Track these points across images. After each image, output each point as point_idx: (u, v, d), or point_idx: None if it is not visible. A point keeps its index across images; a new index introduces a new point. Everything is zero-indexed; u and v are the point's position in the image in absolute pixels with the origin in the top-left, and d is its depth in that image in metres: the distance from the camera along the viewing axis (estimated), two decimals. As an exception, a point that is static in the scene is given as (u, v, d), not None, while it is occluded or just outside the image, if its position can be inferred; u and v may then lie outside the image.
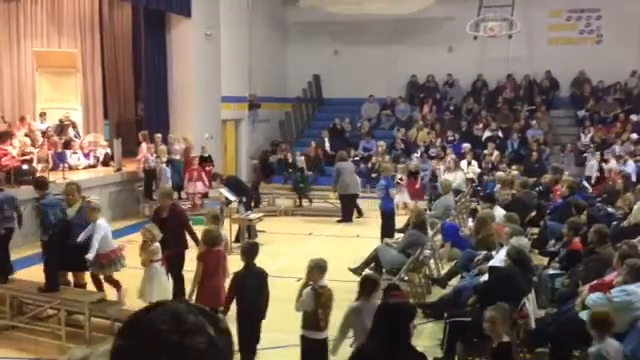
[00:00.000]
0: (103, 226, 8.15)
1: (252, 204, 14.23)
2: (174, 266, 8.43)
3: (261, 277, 6.62)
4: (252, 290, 6.48)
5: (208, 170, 16.24)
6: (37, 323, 8.06)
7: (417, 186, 16.63)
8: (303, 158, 17.90)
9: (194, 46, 18.23)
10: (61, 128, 16.55)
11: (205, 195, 16.01)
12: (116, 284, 8.41)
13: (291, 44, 24.18)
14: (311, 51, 23.30)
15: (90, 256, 7.94)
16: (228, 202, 13.63)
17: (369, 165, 19.46)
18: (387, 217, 12.07)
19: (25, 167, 13.19)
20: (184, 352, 1.27)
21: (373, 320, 4.77)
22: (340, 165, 15.36)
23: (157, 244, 7.72)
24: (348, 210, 15.17)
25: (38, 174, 13.09)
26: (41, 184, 8.53)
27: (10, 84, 17.87)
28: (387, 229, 11.87)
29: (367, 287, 5.77)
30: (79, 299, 7.76)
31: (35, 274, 8.81)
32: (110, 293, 8.39)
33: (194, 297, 7.33)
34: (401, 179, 15.78)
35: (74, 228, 8.19)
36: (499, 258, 7.85)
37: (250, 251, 6.89)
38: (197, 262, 7.32)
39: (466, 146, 18.19)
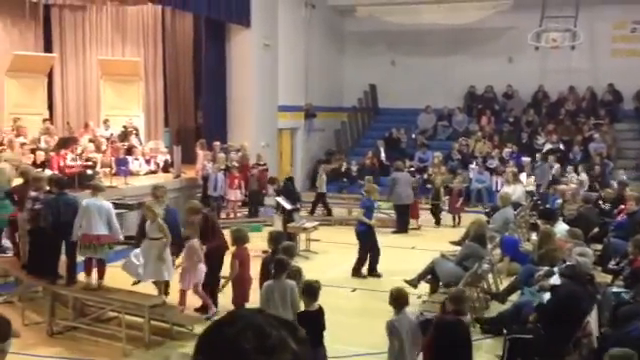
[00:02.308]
0: (83, 207, 8.19)
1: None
2: (214, 259, 8.61)
3: None
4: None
5: (263, 174, 16.37)
6: (98, 325, 8.24)
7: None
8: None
9: (253, 56, 18.47)
10: (125, 135, 16.97)
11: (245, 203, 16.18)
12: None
13: (348, 54, 24.23)
14: (368, 61, 23.28)
15: (73, 237, 8.20)
16: (283, 210, 13.74)
17: (424, 176, 19.27)
18: (363, 240, 11.16)
19: (89, 172, 13.56)
20: None
21: (430, 336, 4.71)
22: (396, 175, 15.28)
23: (160, 221, 8.19)
24: (403, 221, 15.05)
25: (101, 179, 13.47)
26: (57, 183, 8.66)
27: (76, 91, 18.48)
28: (363, 251, 11.16)
29: (278, 268, 6.62)
30: (139, 302, 7.89)
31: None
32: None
33: (229, 289, 8.02)
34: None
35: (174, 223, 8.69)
36: (557, 278, 7.65)
37: (277, 239, 7.86)
38: (232, 259, 7.96)
39: (526, 160, 17.83)
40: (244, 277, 7.93)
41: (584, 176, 16.74)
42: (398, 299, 5.90)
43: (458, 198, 16.07)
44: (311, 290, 6.06)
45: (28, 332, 7.57)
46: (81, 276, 8.68)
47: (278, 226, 12.69)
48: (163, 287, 8.46)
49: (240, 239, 7.96)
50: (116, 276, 8.78)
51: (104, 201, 8.37)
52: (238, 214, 15.92)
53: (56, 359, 7.41)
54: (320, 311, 6.07)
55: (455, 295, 6.04)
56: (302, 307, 6.25)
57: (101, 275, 8.54)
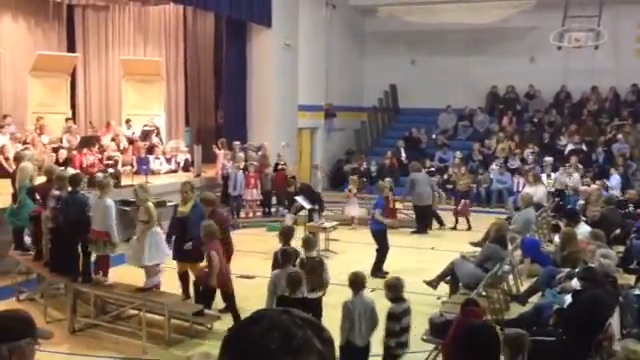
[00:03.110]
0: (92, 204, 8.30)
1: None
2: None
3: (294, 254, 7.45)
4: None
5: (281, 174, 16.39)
6: (119, 322, 8.31)
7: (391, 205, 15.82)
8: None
9: (273, 55, 18.52)
10: (146, 134, 17.10)
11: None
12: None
13: (368, 54, 24.20)
14: (388, 61, 23.23)
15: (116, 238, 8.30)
16: (299, 210, 13.81)
17: (445, 176, 19.19)
18: (379, 238, 11.14)
19: (110, 171, 13.68)
20: None
21: (454, 339, 4.66)
22: (415, 176, 15.19)
23: (149, 204, 8.19)
24: (423, 221, 14.99)
25: (107, 177, 13.56)
26: (70, 181, 8.68)
27: (98, 91, 18.68)
28: (381, 250, 11.09)
29: (284, 258, 7.17)
30: (160, 300, 7.94)
31: (122, 274, 9.08)
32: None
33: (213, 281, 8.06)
34: (350, 191, 15.73)
35: (189, 222, 8.65)
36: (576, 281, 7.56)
37: (287, 233, 8.08)
38: (211, 253, 7.93)
39: (548, 160, 17.66)
40: (222, 267, 8.17)
41: (577, 176, 16.34)
42: (355, 282, 6.25)
43: (460, 200, 15.52)
44: (292, 280, 6.53)
45: (50, 329, 7.62)
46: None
47: (289, 224, 12.76)
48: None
49: (210, 234, 8.05)
50: (137, 275, 8.82)
51: (107, 199, 8.33)
52: (257, 213, 15.99)
53: (77, 356, 7.48)
54: (303, 300, 6.50)
55: (390, 284, 6.43)
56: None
57: (105, 271, 8.60)
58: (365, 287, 6.29)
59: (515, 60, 21.56)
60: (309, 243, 7.85)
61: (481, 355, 4.45)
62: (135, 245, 8.23)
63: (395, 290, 6.33)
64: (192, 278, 8.82)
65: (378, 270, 11.00)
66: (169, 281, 8.89)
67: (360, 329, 6.06)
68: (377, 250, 11.12)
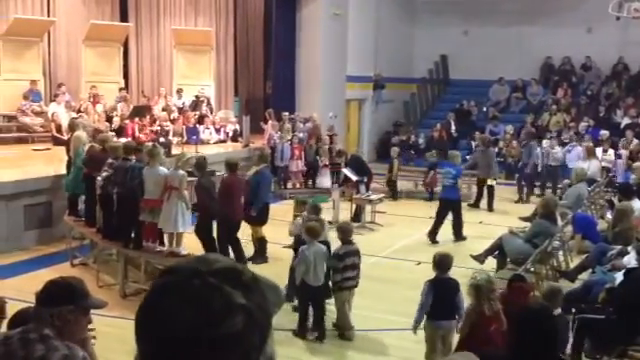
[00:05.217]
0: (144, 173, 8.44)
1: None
2: (226, 231, 9.09)
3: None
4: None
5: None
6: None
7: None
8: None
9: (322, 26, 18.40)
10: (196, 104, 17.28)
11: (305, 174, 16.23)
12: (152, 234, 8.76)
13: (419, 23, 23.76)
14: (439, 31, 22.77)
15: None
16: (343, 182, 13.82)
17: (496, 150, 18.83)
18: (457, 208, 11.49)
19: (162, 140, 13.90)
20: (223, 344, 1.08)
21: (516, 328, 4.44)
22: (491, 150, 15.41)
23: (181, 172, 8.34)
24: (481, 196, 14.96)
25: (173, 147, 13.81)
26: (124, 150, 9.00)
27: (150, 60, 18.89)
28: (458, 220, 11.45)
29: (311, 211, 8.31)
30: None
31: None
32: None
33: None
34: (322, 162, 15.77)
35: (251, 187, 9.51)
36: (634, 256, 7.37)
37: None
38: None
39: (604, 133, 17.12)
40: None
41: (558, 147, 15.73)
42: (310, 232, 7.18)
43: (428, 172, 15.50)
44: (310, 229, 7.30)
45: (102, 293, 7.85)
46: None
47: (336, 197, 12.78)
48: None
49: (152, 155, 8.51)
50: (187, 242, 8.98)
51: (159, 167, 8.41)
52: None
53: (128, 320, 7.68)
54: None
55: (341, 228, 7.49)
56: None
57: (154, 239, 8.76)
58: (319, 236, 7.22)
59: (571, 30, 20.86)
60: (315, 210, 8.59)
61: (541, 344, 4.13)
62: (180, 212, 8.30)
63: (345, 233, 7.35)
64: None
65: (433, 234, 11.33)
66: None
67: (315, 272, 7.05)
68: (441, 218, 11.42)
